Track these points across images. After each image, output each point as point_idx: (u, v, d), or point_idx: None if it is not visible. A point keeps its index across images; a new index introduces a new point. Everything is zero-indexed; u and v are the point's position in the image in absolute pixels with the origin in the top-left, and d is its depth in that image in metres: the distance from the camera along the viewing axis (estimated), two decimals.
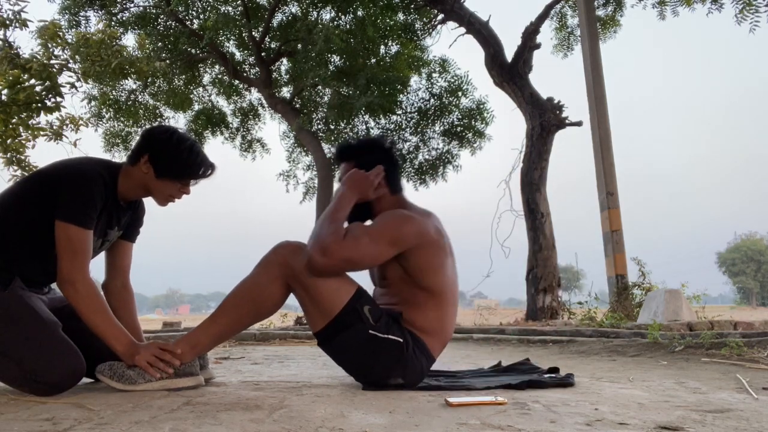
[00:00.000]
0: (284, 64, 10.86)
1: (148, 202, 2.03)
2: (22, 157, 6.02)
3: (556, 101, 8.37)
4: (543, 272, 7.78)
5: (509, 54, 8.70)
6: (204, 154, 1.87)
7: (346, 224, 1.75)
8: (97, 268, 1.87)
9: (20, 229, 1.70)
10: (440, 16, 9.60)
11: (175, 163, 1.79)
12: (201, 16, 9.57)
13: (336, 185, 1.98)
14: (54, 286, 1.91)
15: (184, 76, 10.53)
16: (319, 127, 10.58)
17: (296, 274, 1.67)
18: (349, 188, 1.80)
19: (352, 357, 1.74)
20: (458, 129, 10.16)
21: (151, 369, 1.65)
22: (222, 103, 11.61)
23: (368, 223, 1.82)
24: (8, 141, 5.81)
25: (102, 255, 1.95)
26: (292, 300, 1.80)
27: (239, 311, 1.71)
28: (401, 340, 1.68)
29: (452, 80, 10.09)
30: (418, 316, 1.76)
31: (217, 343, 1.80)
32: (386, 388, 1.70)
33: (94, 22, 9.18)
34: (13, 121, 5.58)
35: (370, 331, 1.66)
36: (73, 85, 5.66)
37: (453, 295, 1.81)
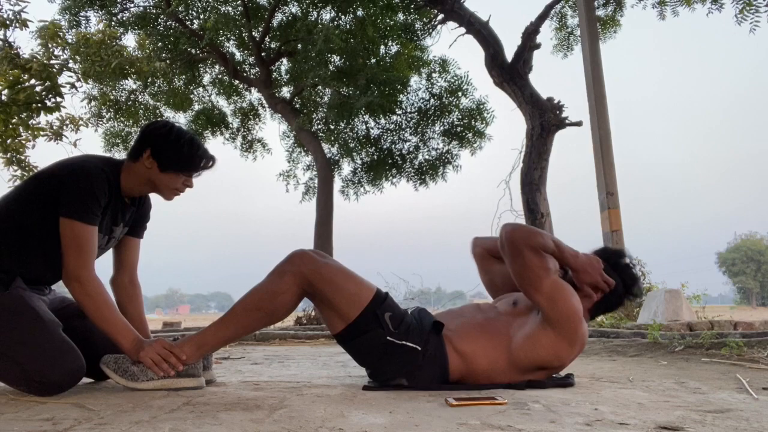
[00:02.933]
0: (284, 64, 10.85)
1: (155, 199, 2.04)
2: (22, 157, 6.03)
3: (556, 101, 8.37)
4: None
5: (509, 54, 8.70)
6: (204, 146, 1.89)
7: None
8: (103, 265, 1.88)
9: (24, 229, 1.70)
10: (440, 16, 9.59)
11: (178, 155, 1.80)
12: (201, 16, 9.56)
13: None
14: (55, 286, 1.91)
15: (184, 76, 10.53)
16: (319, 127, 10.57)
17: (312, 281, 1.68)
18: (582, 261, 1.76)
19: (369, 358, 1.75)
20: (458, 129, 10.15)
21: (154, 367, 1.65)
22: (222, 103, 11.62)
23: None
24: (8, 141, 5.82)
25: (109, 252, 1.95)
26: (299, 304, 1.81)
27: (250, 317, 1.71)
28: (419, 348, 1.68)
29: (452, 80, 10.09)
30: (468, 344, 1.72)
31: (224, 345, 1.81)
32: (387, 387, 1.70)
33: (94, 22, 9.17)
34: (13, 121, 5.59)
35: (388, 338, 1.67)
36: (73, 85, 5.67)
37: (521, 367, 1.74)
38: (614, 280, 1.81)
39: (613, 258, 1.89)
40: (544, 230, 1.75)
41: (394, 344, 1.67)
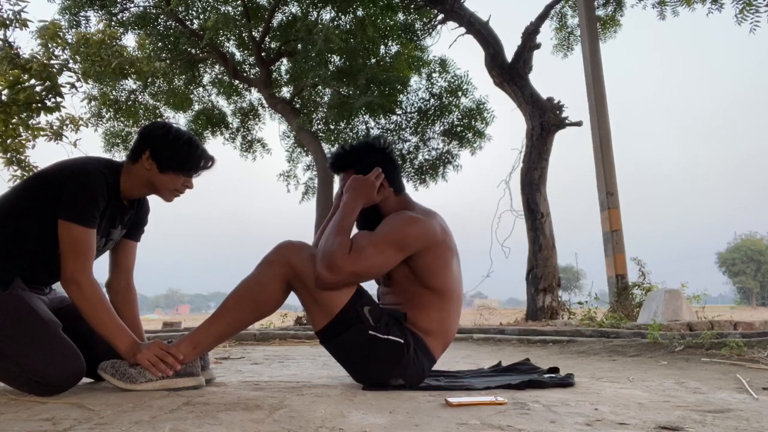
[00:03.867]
0: (284, 64, 10.85)
1: (153, 201, 2.04)
2: (22, 157, 6.03)
3: (556, 101, 8.37)
4: (543, 272, 7.78)
5: (509, 54, 8.70)
6: (203, 146, 1.89)
7: (355, 231, 1.75)
8: (100, 267, 1.88)
9: (23, 230, 1.70)
10: (440, 16, 9.59)
11: (177, 156, 1.80)
12: (201, 16, 9.56)
13: (335, 188, 1.99)
14: (55, 286, 1.91)
15: (184, 76, 10.52)
16: (319, 127, 10.57)
17: (298, 274, 1.67)
18: (352, 195, 1.79)
19: (353, 357, 1.74)
20: (458, 129, 10.15)
21: (152, 368, 1.65)
22: (222, 103, 11.61)
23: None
24: (8, 141, 5.81)
25: (105, 254, 1.95)
26: (292, 300, 1.81)
27: (240, 310, 1.71)
28: (402, 341, 1.68)
29: (452, 80, 10.09)
30: (421, 317, 1.76)
31: (219, 342, 1.80)
32: (387, 388, 1.70)
33: (94, 22, 9.17)
34: (13, 121, 5.59)
35: (370, 332, 1.66)
36: (73, 85, 5.67)
37: (457, 295, 1.81)
38: (371, 166, 1.84)
39: (349, 160, 1.89)
40: (324, 237, 1.72)
41: (377, 338, 1.66)
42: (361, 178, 1.82)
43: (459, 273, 1.83)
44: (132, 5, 9.79)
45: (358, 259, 1.64)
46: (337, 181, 2.04)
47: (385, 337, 1.67)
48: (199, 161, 1.85)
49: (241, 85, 11.10)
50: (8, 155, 5.94)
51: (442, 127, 10.31)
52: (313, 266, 1.66)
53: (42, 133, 5.83)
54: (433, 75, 10.30)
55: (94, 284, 1.67)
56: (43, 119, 5.79)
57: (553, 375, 1.93)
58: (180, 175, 1.83)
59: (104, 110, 10.28)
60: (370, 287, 1.85)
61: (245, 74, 10.65)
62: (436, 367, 2.02)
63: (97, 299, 1.67)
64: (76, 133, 6.01)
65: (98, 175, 1.71)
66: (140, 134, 1.86)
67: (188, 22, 9.70)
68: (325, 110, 10.40)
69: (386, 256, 1.67)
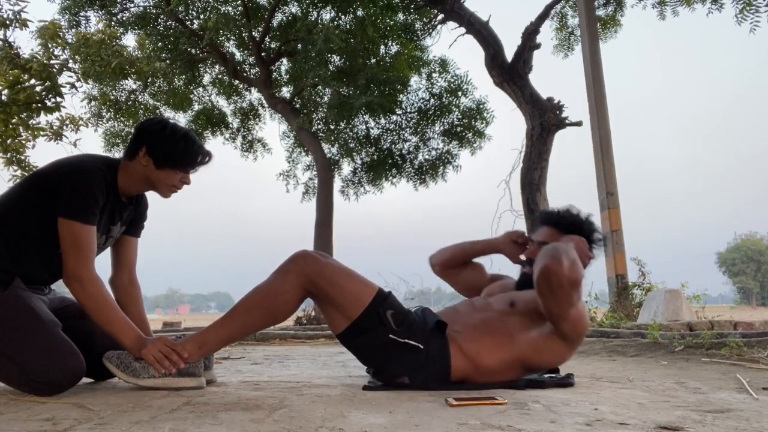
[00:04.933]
0: (284, 64, 10.86)
1: (152, 199, 2.03)
2: (22, 157, 6.03)
3: (556, 101, 8.37)
4: None
5: (509, 54, 8.70)
6: (200, 141, 1.88)
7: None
8: (102, 264, 1.88)
9: (23, 230, 1.70)
10: (440, 16, 9.59)
11: (173, 152, 1.79)
12: (201, 16, 9.56)
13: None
14: (55, 286, 1.91)
15: (184, 76, 10.53)
16: (319, 127, 10.58)
17: (315, 282, 1.68)
18: (575, 249, 1.71)
19: (372, 357, 1.76)
20: (458, 129, 10.16)
21: (156, 364, 1.65)
22: (222, 103, 11.62)
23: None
24: (8, 141, 5.81)
25: (107, 251, 1.95)
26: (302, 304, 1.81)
27: (251, 316, 1.71)
28: (421, 346, 1.68)
29: (452, 80, 10.09)
30: (473, 344, 1.72)
31: (225, 345, 1.81)
32: (388, 387, 1.70)
33: (94, 22, 9.19)
34: (13, 121, 5.59)
35: (390, 336, 1.67)
36: (73, 85, 5.67)
37: (525, 368, 1.76)
38: (591, 248, 1.86)
39: (581, 224, 1.91)
40: (563, 246, 1.66)
41: (396, 342, 1.67)
42: (586, 244, 1.82)
43: (551, 365, 1.80)
44: (132, 5, 9.80)
45: (579, 290, 1.62)
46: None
47: (404, 340, 1.67)
48: (196, 157, 1.84)
49: (241, 85, 11.11)
50: (8, 155, 5.94)
51: (442, 127, 10.32)
52: (328, 271, 1.68)
53: (42, 133, 5.82)
54: (433, 75, 10.31)
55: (97, 281, 1.67)
56: (43, 119, 5.79)
57: (553, 375, 1.93)
58: (177, 171, 1.82)
59: (104, 110, 10.29)
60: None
61: (245, 74, 10.66)
62: None
63: (101, 295, 1.67)
64: (76, 133, 6.01)
65: (96, 172, 1.71)
66: (136, 130, 1.85)
67: (188, 22, 9.70)
68: (325, 110, 10.41)
69: (572, 313, 1.64)
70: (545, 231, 1.94)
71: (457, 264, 2.13)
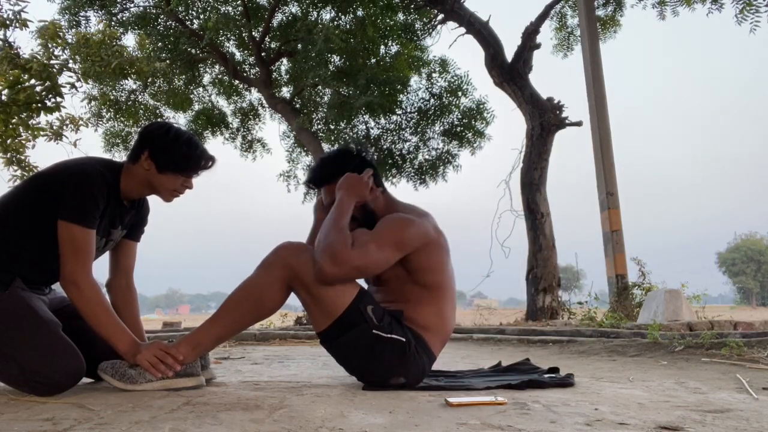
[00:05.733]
0: (284, 64, 10.85)
1: (153, 202, 2.03)
2: (22, 157, 6.02)
3: (556, 101, 8.37)
4: (543, 272, 7.78)
5: (509, 54, 8.70)
6: (203, 146, 1.88)
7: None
8: (100, 267, 1.88)
9: (23, 231, 1.70)
10: (440, 16, 9.59)
11: (176, 156, 1.79)
12: (201, 16, 9.56)
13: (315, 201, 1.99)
14: (55, 286, 1.91)
15: (184, 76, 10.53)
16: (319, 127, 10.57)
17: (298, 275, 1.67)
18: (347, 193, 1.81)
19: (356, 357, 1.74)
20: (458, 129, 10.15)
21: (152, 369, 1.65)
22: (222, 103, 11.61)
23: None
24: (8, 141, 5.81)
25: (105, 255, 1.95)
26: (292, 300, 1.81)
27: (240, 312, 1.71)
28: (404, 339, 1.69)
29: (452, 80, 10.09)
30: (418, 314, 1.77)
31: (219, 343, 1.80)
32: (388, 387, 1.70)
33: (94, 22, 9.18)
34: (13, 121, 5.58)
35: (374, 331, 1.66)
36: (73, 85, 5.66)
37: (452, 291, 1.84)
38: (364, 167, 1.87)
39: (337, 166, 1.91)
40: (324, 227, 1.73)
41: (382, 338, 1.66)
42: (354, 176, 1.84)
43: (452, 270, 1.86)
44: (132, 5, 9.80)
45: (361, 254, 1.65)
46: (313, 204, 2.04)
47: (389, 336, 1.67)
48: (199, 162, 1.84)
49: (241, 85, 11.10)
50: (8, 155, 5.93)
51: (442, 127, 10.32)
52: (312, 266, 1.66)
53: (42, 133, 5.82)
54: (433, 75, 10.30)
55: (94, 285, 1.67)
56: (43, 119, 5.78)
57: (553, 375, 1.93)
58: (179, 175, 1.82)
59: (104, 110, 10.28)
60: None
61: (245, 74, 10.65)
62: (435, 367, 2.02)
63: (96, 300, 1.67)
64: (76, 133, 6.00)
65: (98, 176, 1.70)
66: (140, 134, 1.86)
67: (188, 22, 9.70)
68: (325, 110, 10.40)
69: (386, 254, 1.69)
70: (325, 191, 1.94)
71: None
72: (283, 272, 1.68)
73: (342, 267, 1.63)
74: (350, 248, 1.65)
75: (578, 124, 8.19)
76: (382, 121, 10.36)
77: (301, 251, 1.70)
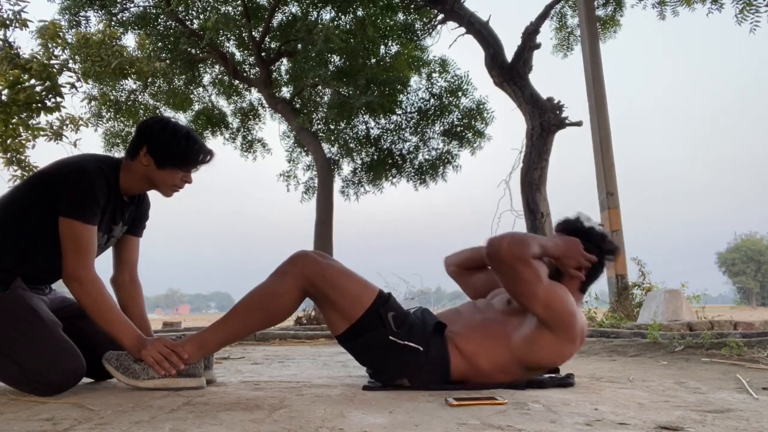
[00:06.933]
0: (284, 64, 10.86)
1: (154, 200, 2.03)
2: (22, 157, 6.03)
3: (556, 101, 8.37)
4: None
5: (509, 54, 8.69)
6: (201, 140, 1.87)
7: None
8: (104, 264, 1.88)
9: (24, 229, 1.70)
10: (440, 16, 9.59)
11: (174, 151, 1.79)
12: (201, 16, 9.56)
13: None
14: (55, 286, 1.91)
15: (184, 76, 10.53)
16: (319, 127, 10.58)
17: (315, 283, 1.68)
18: (562, 245, 1.77)
19: (370, 358, 1.76)
20: (458, 129, 10.16)
21: (156, 365, 1.65)
22: (222, 103, 11.62)
23: None
24: (8, 141, 5.81)
25: (109, 251, 1.95)
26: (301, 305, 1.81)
27: (250, 317, 1.71)
28: (421, 348, 1.68)
29: (452, 80, 10.09)
30: (471, 345, 1.72)
31: (224, 345, 1.81)
32: (388, 387, 1.70)
33: (94, 22, 9.18)
34: (13, 121, 5.58)
35: (390, 338, 1.67)
36: (73, 85, 5.67)
37: (524, 366, 1.76)
38: (592, 252, 1.83)
39: (582, 230, 1.89)
40: (525, 233, 1.75)
41: (397, 344, 1.67)
42: (580, 245, 1.80)
43: (550, 362, 1.80)
44: (132, 5, 9.80)
45: (531, 268, 1.63)
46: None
47: (404, 342, 1.67)
48: (198, 156, 1.83)
49: (241, 85, 11.11)
50: (8, 155, 5.94)
51: (442, 127, 10.32)
52: (328, 273, 1.68)
53: (42, 133, 5.82)
54: (433, 75, 10.31)
55: (96, 280, 1.67)
56: (43, 119, 5.79)
57: (553, 375, 1.93)
58: (178, 170, 1.81)
59: (104, 110, 10.29)
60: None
61: (245, 74, 10.66)
62: None
63: (100, 295, 1.67)
64: (76, 133, 6.01)
65: (97, 172, 1.70)
66: (138, 130, 1.85)
67: (188, 22, 9.70)
68: (325, 110, 10.41)
69: (538, 294, 1.64)
70: (555, 236, 1.91)
71: (471, 266, 2.10)
72: (298, 281, 1.68)
73: (511, 254, 1.62)
74: (530, 258, 1.64)
75: (578, 124, 8.19)
76: (382, 121, 10.36)
77: (316, 259, 1.71)
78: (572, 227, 1.90)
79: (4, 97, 5.37)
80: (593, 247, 1.84)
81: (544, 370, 1.80)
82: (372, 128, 10.56)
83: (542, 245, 1.72)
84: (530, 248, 1.65)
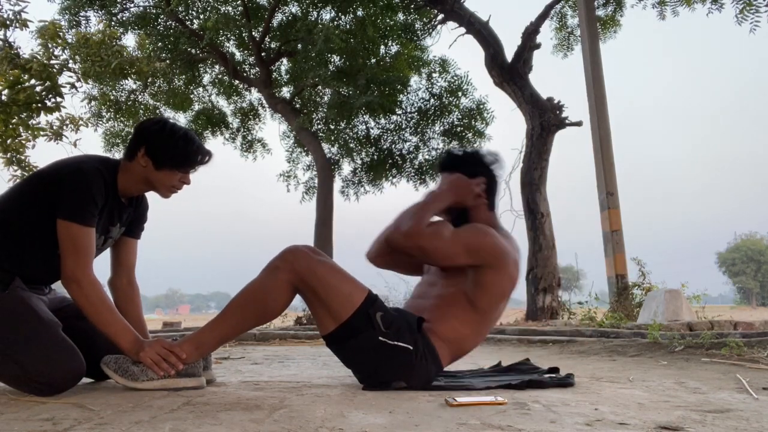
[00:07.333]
0: (284, 64, 10.86)
1: (153, 200, 2.03)
2: (22, 157, 6.02)
3: (556, 101, 8.37)
4: (543, 272, 7.78)
5: (509, 54, 8.70)
6: (199, 141, 1.86)
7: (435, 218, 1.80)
8: (101, 265, 1.87)
9: (22, 230, 1.70)
10: (440, 16, 9.60)
11: (172, 152, 1.78)
12: (201, 16, 9.57)
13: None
14: (55, 286, 1.91)
15: (184, 76, 10.53)
16: (319, 127, 10.58)
17: (304, 279, 1.67)
18: (449, 189, 1.85)
19: (360, 361, 1.75)
20: (458, 129, 10.16)
21: (154, 366, 1.65)
22: (222, 103, 11.63)
23: None
24: (8, 141, 5.81)
25: (106, 252, 1.95)
26: (293, 300, 1.80)
27: (244, 314, 1.71)
28: (411, 347, 1.69)
29: (452, 80, 10.10)
30: (446, 324, 1.77)
31: (222, 343, 1.80)
32: (387, 388, 1.70)
33: (94, 22, 9.19)
34: (13, 121, 5.58)
35: (380, 338, 1.67)
36: (73, 85, 5.67)
37: (492, 323, 1.84)
38: (478, 174, 1.88)
39: (457, 160, 1.94)
40: (412, 204, 1.80)
41: (387, 345, 1.66)
42: (464, 178, 1.88)
43: (504, 307, 1.86)
44: (132, 5, 9.80)
45: (430, 236, 1.70)
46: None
47: (395, 343, 1.67)
48: (196, 156, 1.82)
49: (241, 85, 11.11)
50: (8, 155, 5.94)
51: (442, 127, 10.32)
52: (319, 270, 1.67)
53: (42, 133, 5.82)
54: (433, 75, 10.31)
55: (95, 282, 1.67)
56: (43, 119, 5.79)
57: (553, 375, 1.93)
58: (176, 171, 1.81)
59: (104, 110, 10.29)
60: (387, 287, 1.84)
61: (245, 74, 10.66)
62: None
63: (98, 297, 1.66)
64: (76, 133, 6.00)
65: (95, 173, 1.70)
66: (135, 131, 1.84)
67: (188, 22, 9.70)
68: (325, 110, 10.41)
69: (454, 251, 1.72)
70: (443, 177, 1.96)
71: (390, 250, 2.03)
72: (289, 276, 1.68)
73: (408, 239, 1.69)
74: (424, 227, 1.70)
75: (578, 124, 8.19)
76: (382, 121, 10.36)
77: (306, 254, 1.70)
78: (449, 163, 1.95)
79: (4, 97, 5.37)
80: (476, 168, 1.90)
81: (508, 300, 1.85)
82: (372, 128, 10.56)
83: (434, 201, 1.80)
84: (424, 217, 1.73)
